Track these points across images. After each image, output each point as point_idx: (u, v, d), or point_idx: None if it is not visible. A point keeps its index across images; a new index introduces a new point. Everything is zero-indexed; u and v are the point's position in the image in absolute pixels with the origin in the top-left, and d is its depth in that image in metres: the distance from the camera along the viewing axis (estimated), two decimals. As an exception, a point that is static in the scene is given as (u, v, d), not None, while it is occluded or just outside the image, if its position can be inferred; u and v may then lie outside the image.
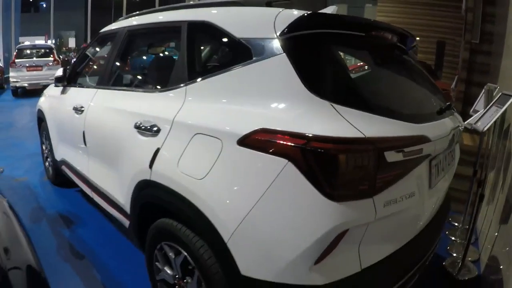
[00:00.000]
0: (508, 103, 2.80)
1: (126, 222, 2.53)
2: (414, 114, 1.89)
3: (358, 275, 1.61)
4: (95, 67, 4.45)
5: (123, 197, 2.45)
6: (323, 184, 1.47)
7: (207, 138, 1.79)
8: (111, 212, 2.81)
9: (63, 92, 3.87)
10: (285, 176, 1.50)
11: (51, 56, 13.69)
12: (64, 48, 28.94)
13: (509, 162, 2.88)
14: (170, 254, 2.04)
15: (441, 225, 2.37)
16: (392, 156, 1.57)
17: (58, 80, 3.89)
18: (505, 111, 3.33)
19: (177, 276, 2.07)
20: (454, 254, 3.33)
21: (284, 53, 1.68)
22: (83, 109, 3.13)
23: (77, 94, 3.55)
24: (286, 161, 1.49)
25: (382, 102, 1.82)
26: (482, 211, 3.59)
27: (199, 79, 2.04)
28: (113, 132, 2.62)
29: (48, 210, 4.01)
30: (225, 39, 2.06)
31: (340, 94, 1.66)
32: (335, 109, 1.55)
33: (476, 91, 3.73)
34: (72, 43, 29.56)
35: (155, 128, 2.12)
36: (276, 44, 1.72)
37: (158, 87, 2.51)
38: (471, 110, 3.54)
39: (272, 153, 1.53)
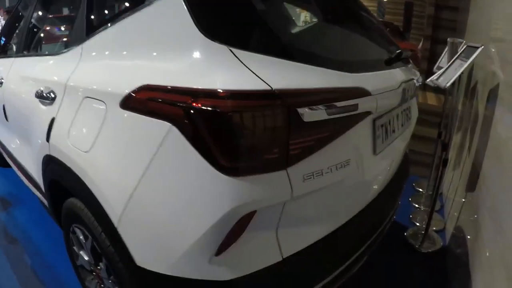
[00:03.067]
0: (474, 55, 2.34)
1: (45, 201, 2.27)
2: (348, 62, 1.45)
3: (279, 266, 1.26)
4: (17, 33, 3.96)
5: (37, 175, 2.18)
6: (215, 154, 1.08)
7: (93, 102, 1.49)
8: (32, 190, 2.54)
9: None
10: (170, 145, 1.15)
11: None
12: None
13: (476, 123, 2.54)
14: (81, 237, 1.78)
15: (397, 195, 1.97)
16: (311, 115, 1.14)
17: None
18: (472, 67, 2.96)
19: (92, 262, 1.81)
20: (418, 224, 2.96)
21: None
22: (2, 81, 2.84)
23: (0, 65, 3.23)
24: (169, 125, 1.14)
25: (304, 46, 1.41)
26: (448, 176, 3.23)
27: (94, 36, 1.72)
28: (22, 103, 2.34)
29: (-17, 191, 3.69)
30: None
31: (244, 36, 1.25)
32: (235, 55, 1.15)
33: (442, 49, 3.42)
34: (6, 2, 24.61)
35: (52, 95, 1.82)
36: None
37: (59, 49, 2.19)
38: (435, 67, 3.18)
39: (154, 116, 1.19)
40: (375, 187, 1.69)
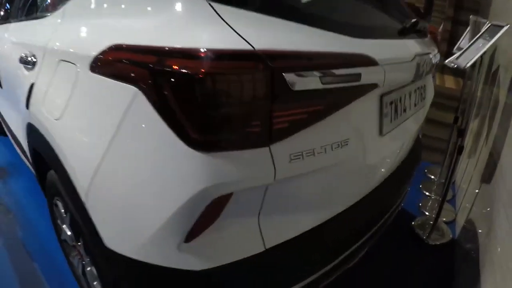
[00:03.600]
0: (499, 34, 2.12)
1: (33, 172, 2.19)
2: (352, 25, 1.25)
3: (260, 258, 1.10)
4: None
5: (24, 143, 2.11)
6: (184, 126, 0.91)
7: (66, 66, 1.36)
8: (23, 160, 2.46)
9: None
10: (135, 114, 1.00)
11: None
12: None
13: (495, 110, 2.35)
14: (62, 211, 1.70)
15: (405, 183, 1.77)
16: (301, 82, 0.95)
17: None
18: (495, 50, 2.72)
19: (73, 238, 1.72)
20: (427, 213, 2.77)
21: None
22: None
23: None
24: (135, 89, 0.98)
25: (297, 2, 1.19)
26: (462, 164, 3.00)
27: None
28: (11, 69, 2.25)
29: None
30: None
31: None
32: (214, 9, 0.96)
33: (463, 31, 3.18)
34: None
35: (33, 60, 1.71)
36: None
37: (44, 11, 2.07)
38: (455, 48, 2.94)
39: (121, 79, 1.04)
40: (380, 172, 1.50)
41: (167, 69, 0.90)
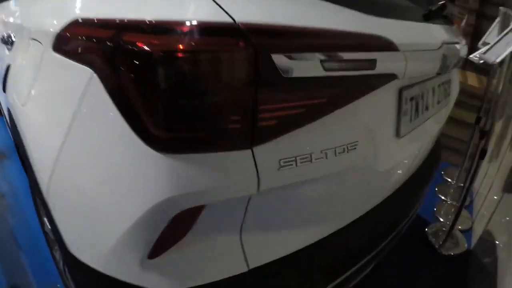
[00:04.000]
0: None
1: None
2: (371, 2, 1.01)
3: (243, 280, 0.91)
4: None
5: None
6: (142, 118, 0.72)
7: (34, 45, 1.20)
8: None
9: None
10: (90, 100, 0.83)
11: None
12: None
13: None
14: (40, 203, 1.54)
15: (420, 192, 1.54)
16: (296, 67, 0.74)
17: None
18: None
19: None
20: (441, 219, 2.55)
21: None
22: None
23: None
24: (90, 71, 0.80)
25: None
26: (482, 167, 2.78)
27: None
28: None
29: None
30: None
31: None
32: None
33: (488, 25, 3.01)
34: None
35: (11, 40, 1.57)
36: None
37: None
38: (480, 43, 2.72)
39: (78, 59, 0.87)
40: (393, 181, 1.28)
41: (122, 45, 0.71)
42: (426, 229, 2.39)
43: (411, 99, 1.16)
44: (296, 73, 0.74)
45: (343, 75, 0.83)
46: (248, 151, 0.74)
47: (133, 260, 0.82)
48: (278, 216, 0.91)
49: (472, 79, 3.21)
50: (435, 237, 2.32)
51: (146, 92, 0.70)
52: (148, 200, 0.74)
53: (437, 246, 2.25)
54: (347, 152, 0.91)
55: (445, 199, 2.82)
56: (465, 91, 3.05)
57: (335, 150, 0.88)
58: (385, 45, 0.94)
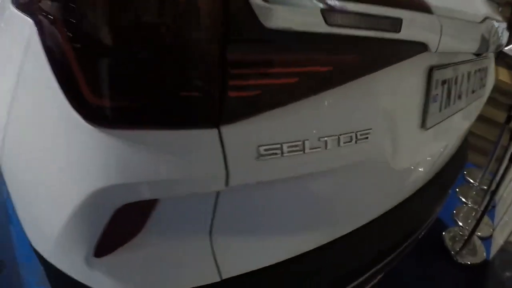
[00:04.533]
0: None
1: None
2: None
3: None
4: None
5: None
6: (74, 76, 0.53)
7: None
8: None
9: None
10: (29, 58, 0.64)
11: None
12: None
13: None
14: None
15: (441, 196, 1.31)
16: (283, 14, 0.53)
17: None
18: None
19: None
20: (460, 223, 2.31)
21: None
22: None
23: None
24: (31, 21, 0.63)
25: None
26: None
27: None
28: None
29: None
30: None
31: None
32: None
33: None
34: None
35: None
36: None
37: None
38: None
39: (22, 9, 0.70)
40: (411, 181, 1.05)
41: None
42: (444, 233, 2.17)
43: (443, 82, 0.92)
44: (283, 23, 0.53)
45: (354, 34, 0.62)
46: (214, 131, 0.54)
47: (77, 257, 0.65)
48: (259, 220, 0.71)
49: (504, 75, 2.93)
50: (452, 242, 2.11)
51: (78, 44, 0.51)
52: (83, 188, 0.56)
53: (453, 253, 2.04)
54: (356, 142, 0.69)
55: (466, 201, 2.58)
56: (495, 86, 2.79)
57: (339, 139, 0.66)
58: (416, 3, 0.72)
